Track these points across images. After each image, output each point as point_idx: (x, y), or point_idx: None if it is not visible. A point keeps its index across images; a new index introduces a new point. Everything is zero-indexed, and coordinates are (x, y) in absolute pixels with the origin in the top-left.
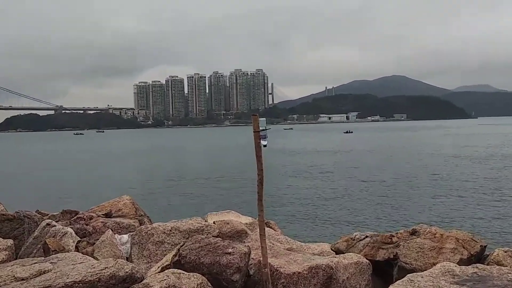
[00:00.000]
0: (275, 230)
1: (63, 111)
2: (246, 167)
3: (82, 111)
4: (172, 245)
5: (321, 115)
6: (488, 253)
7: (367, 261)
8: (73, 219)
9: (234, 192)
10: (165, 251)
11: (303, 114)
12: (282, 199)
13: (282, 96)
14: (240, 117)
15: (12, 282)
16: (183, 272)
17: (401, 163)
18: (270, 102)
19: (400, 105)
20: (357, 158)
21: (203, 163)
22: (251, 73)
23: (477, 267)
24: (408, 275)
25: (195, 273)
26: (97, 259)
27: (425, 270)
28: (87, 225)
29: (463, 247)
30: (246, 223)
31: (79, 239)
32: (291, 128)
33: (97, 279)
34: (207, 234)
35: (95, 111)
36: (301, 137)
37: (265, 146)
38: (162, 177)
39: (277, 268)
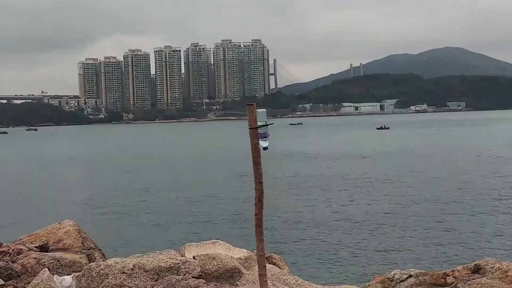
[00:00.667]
0: (280, 268)
1: None
2: (237, 179)
3: (5, 101)
4: None
5: (345, 104)
6: None
7: None
8: None
9: (222, 215)
10: None
11: (319, 103)
12: (290, 225)
13: (289, 78)
14: (230, 108)
15: None
16: None
17: (456, 175)
18: (273, 86)
19: (456, 89)
20: (394, 166)
21: (177, 174)
22: (245, 45)
23: None
24: None
25: None
26: None
27: None
28: (13, 262)
29: None
30: (240, 258)
31: (3, 282)
32: (301, 123)
33: None
34: (185, 274)
35: (25, 101)
36: (314, 136)
37: (265, 149)
38: (120, 194)
39: None
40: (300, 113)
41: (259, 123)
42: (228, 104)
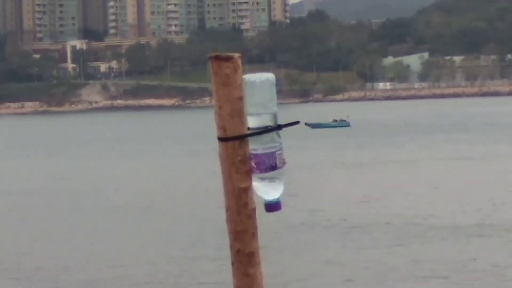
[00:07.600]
0: None
1: None
2: None
3: None
4: None
5: None
6: None
7: None
8: None
9: None
10: None
11: (456, 51)
12: None
13: None
14: (156, 69)
15: None
16: None
17: None
18: None
19: None
20: None
21: None
22: None
23: None
24: None
25: None
26: None
27: None
28: None
29: None
30: None
31: None
32: (345, 122)
33: None
34: None
35: None
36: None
37: (274, 207)
38: None
39: None
40: (391, 83)
41: (252, 121)
42: (147, 54)
